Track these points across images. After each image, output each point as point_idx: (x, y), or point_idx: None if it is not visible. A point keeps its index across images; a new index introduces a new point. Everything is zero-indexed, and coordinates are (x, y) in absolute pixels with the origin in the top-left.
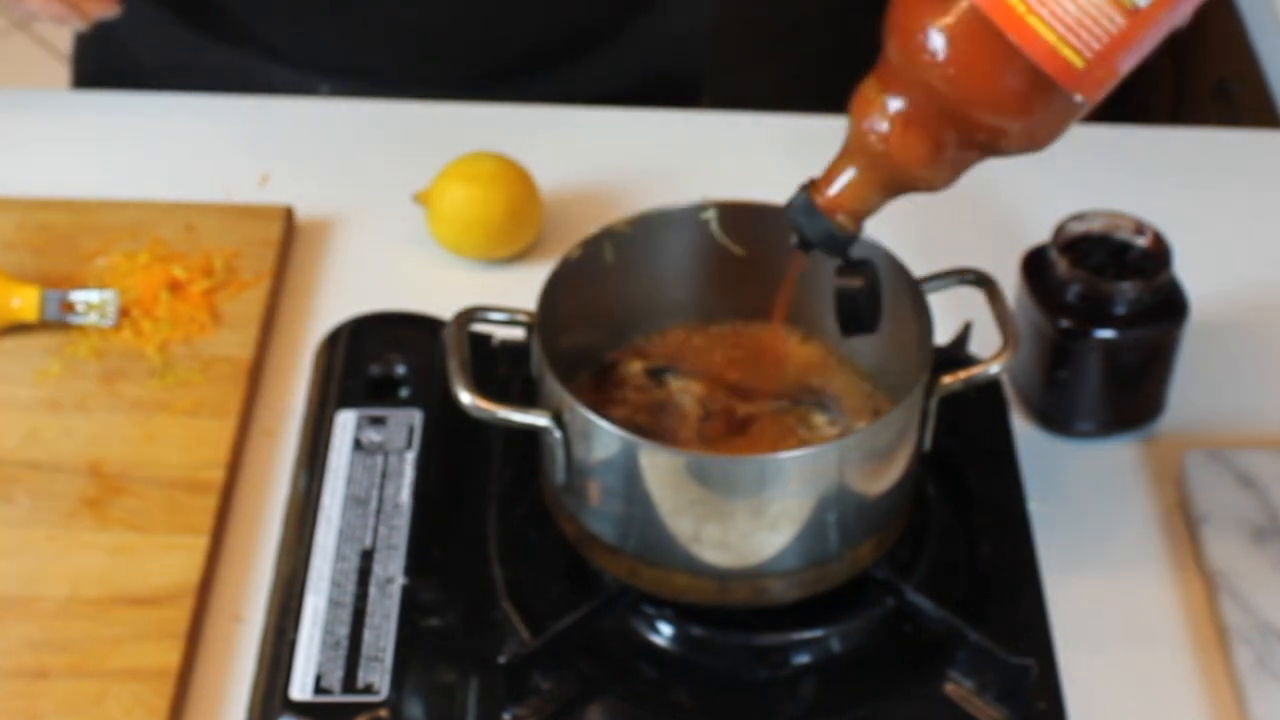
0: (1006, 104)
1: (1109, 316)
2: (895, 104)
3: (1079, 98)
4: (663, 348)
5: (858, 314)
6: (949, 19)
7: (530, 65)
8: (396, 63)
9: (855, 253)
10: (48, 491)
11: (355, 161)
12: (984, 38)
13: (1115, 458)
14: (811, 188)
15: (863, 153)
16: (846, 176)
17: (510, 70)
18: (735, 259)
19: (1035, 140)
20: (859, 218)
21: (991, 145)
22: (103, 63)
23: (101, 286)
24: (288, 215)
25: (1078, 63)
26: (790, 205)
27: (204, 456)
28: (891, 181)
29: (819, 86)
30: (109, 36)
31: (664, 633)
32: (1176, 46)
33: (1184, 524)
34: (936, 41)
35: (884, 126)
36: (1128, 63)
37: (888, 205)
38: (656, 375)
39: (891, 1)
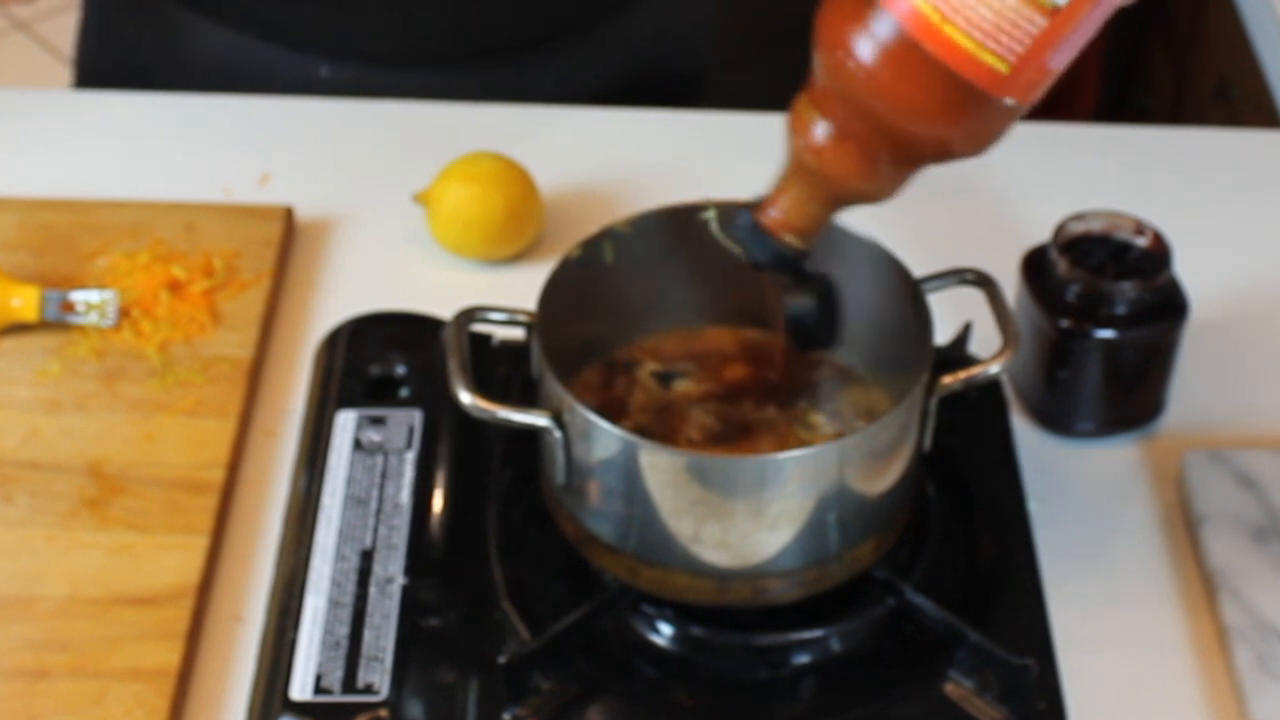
0: (935, 115)
1: (1109, 316)
2: (827, 120)
3: (1010, 101)
4: (663, 348)
5: (808, 331)
6: (869, 34)
7: (528, 44)
8: (394, 42)
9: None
10: (48, 491)
11: (355, 161)
12: (905, 51)
13: (1115, 458)
14: (756, 208)
15: (801, 170)
16: (788, 195)
17: (508, 49)
18: (735, 259)
19: (973, 146)
20: (806, 235)
21: (927, 154)
22: (104, 52)
23: (101, 286)
24: (288, 215)
25: (1001, 68)
26: (736, 228)
27: (204, 456)
28: (832, 197)
29: None
30: (110, 24)
31: (664, 633)
32: (1176, 46)
33: (1184, 524)
34: (859, 57)
35: (818, 143)
36: (1059, 60)
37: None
38: (660, 377)
39: (817, 15)
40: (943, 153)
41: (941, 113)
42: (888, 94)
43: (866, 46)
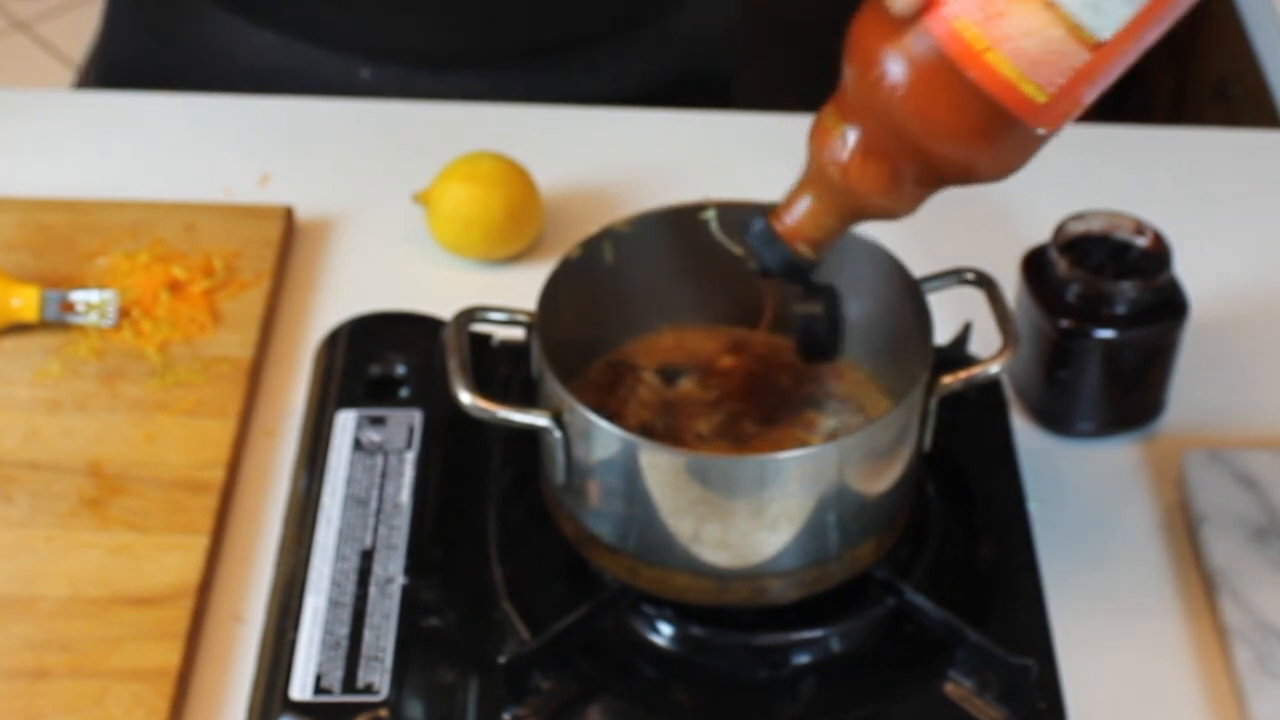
0: (966, 138)
1: (1109, 316)
2: (854, 134)
3: (1041, 130)
4: (663, 348)
5: (817, 340)
6: (905, 52)
7: (567, 47)
8: (433, 44)
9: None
10: (47, 491)
11: (355, 161)
12: (942, 73)
13: (1115, 458)
14: (771, 214)
15: (822, 182)
16: (805, 204)
17: (548, 51)
18: (735, 259)
19: (997, 171)
20: (819, 245)
21: (952, 176)
22: (132, 52)
23: (101, 286)
24: (288, 215)
25: (1040, 98)
26: (750, 233)
27: (204, 456)
28: (851, 210)
29: (822, 85)
30: (142, 25)
31: (664, 633)
32: (1176, 46)
33: (1184, 524)
34: (894, 75)
35: (843, 157)
36: (1091, 94)
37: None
38: (664, 375)
39: (850, 28)
40: (969, 175)
41: (973, 137)
42: (920, 114)
43: (901, 65)
